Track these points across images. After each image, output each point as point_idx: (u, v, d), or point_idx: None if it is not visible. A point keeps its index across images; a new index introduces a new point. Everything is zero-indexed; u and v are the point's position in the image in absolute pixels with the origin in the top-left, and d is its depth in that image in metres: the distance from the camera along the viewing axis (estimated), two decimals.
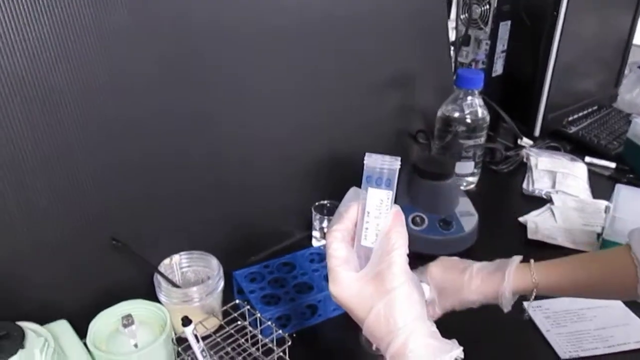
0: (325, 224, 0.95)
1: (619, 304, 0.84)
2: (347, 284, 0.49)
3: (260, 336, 0.71)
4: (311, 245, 0.95)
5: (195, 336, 0.60)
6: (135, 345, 0.70)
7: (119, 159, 0.75)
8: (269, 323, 0.70)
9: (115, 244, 0.75)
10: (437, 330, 0.48)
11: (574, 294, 0.70)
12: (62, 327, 0.70)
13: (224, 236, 0.90)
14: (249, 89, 0.86)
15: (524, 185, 1.14)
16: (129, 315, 0.72)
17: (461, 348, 0.47)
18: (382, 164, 0.50)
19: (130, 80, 0.72)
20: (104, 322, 0.73)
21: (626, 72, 1.50)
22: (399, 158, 0.50)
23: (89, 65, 0.69)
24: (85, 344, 0.69)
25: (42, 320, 0.70)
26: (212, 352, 0.71)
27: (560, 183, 1.12)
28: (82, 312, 0.73)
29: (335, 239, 0.50)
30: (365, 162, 0.51)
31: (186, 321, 0.59)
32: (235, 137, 0.87)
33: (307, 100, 0.95)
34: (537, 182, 1.13)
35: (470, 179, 1.15)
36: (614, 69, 1.46)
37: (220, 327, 0.76)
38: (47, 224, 0.71)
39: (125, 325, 0.71)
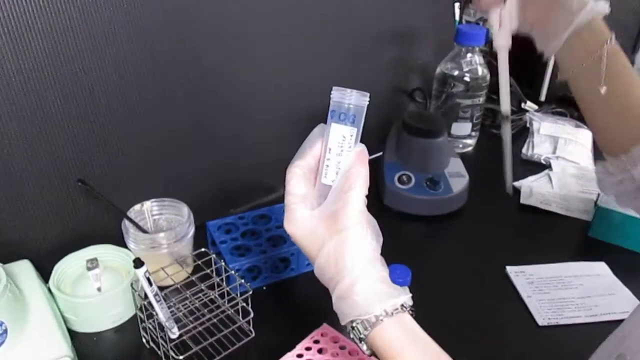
0: None
1: (608, 273, 0.80)
2: (300, 222, 0.47)
3: (224, 285, 0.69)
4: None
5: (148, 279, 0.58)
6: (99, 289, 0.69)
7: (94, 97, 0.72)
8: (232, 272, 0.68)
9: (81, 186, 0.73)
10: (387, 275, 0.46)
11: None
12: (24, 267, 0.69)
13: (203, 187, 0.88)
14: (244, 38, 0.83)
15: (524, 150, 1.10)
16: (94, 259, 0.71)
17: (409, 295, 0.45)
18: (349, 99, 0.47)
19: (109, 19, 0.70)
20: (71, 265, 0.72)
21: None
22: (368, 94, 0.47)
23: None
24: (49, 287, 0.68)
25: (7, 261, 0.70)
26: (173, 299, 0.70)
27: (562, 149, 1.07)
28: (50, 255, 0.72)
29: (294, 175, 0.48)
30: (331, 95, 0.48)
31: (138, 263, 0.57)
32: (228, 85, 0.84)
33: (303, 55, 0.91)
34: (537, 147, 1.08)
35: (468, 141, 1.10)
36: (632, 34, 1.38)
37: (189, 277, 0.74)
38: (14, 164, 0.70)
39: (89, 269, 0.70)
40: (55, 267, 0.70)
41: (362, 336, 0.43)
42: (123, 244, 0.75)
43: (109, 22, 0.69)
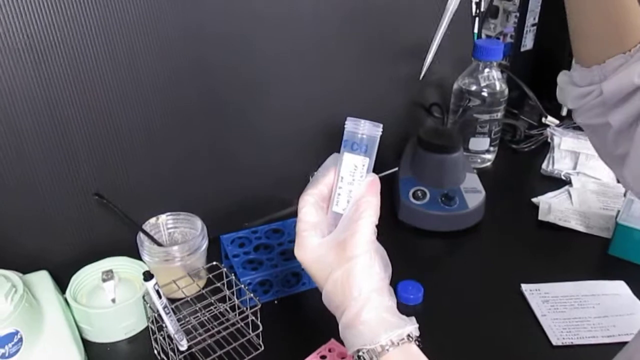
0: None
1: (627, 292, 0.78)
2: (310, 249, 0.48)
3: (235, 298, 0.70)
4: None
5: (157, 292, 0.59)
6: (113, 300, 0.71)
7: (113, 115, 0.75)
8: (242, 286, 0.69)
9: (98, 200, 0.75)
10: (394, 305, 0.46)
11: None
12: (42, 278, 0.71)
13: (220, 201, 0.89)
14: (260, 54, 0.84)
15: (544, 166, 1.08)
16: (110, 271, 0.72)
17: (416, 325, 0.46)
18: (362, 129, 0.49)
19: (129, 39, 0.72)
20: (87, 276, 0.74)
21: None
22: (381, 125, 0.49)
23: (81, 16, 0.68)
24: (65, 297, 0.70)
25: (26, 271, 0.72)
26: (185, 312, 0.71)
27: (583, 164, 1.05)
28: (68, 266, 0.74)
29: (306, 203, 0.50)
30: (345, 125, 0.50)
31: (147, 276, 0.58)
32: (243, 102, 0.86)
33: (319, 70, 0.92)
34: (558, 163, 1.07)
35: (486, 156, 1.09)
36: None
37: (202, 289, 0.76)
38: (37, 179, 0.72)
39: (104, 280, 0.71)
40: (73, 278, 0.72)
41: None
42: (138, 257, 0.77)
43: (129, 41, 0.71)
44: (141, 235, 0.76)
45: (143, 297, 0.66)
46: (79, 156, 0.74)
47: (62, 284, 0.73)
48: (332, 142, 0.99)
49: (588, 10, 0.53)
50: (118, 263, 0.75)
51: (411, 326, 0.44)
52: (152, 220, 0.79)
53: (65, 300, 0.71)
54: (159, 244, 0.77)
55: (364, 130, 0.49)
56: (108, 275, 0.72)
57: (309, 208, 0.49)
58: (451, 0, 0.54)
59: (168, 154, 0.81)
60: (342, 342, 0.66)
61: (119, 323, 0.70)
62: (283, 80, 0.89)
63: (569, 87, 0.58)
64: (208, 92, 0.81)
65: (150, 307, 0.65)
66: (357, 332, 0.44)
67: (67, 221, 0.76)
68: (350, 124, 0.49)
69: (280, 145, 0.93)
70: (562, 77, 0.60)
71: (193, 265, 0.76)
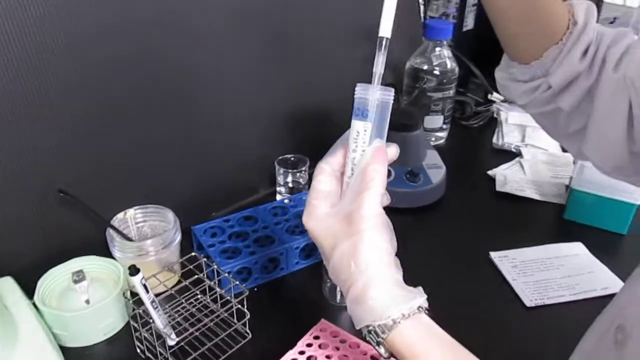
0: (289, 178, 0.92)
1: (585, 252, 0.83)
2: (318, 218, 0.46)
3: (217, 289, 0.68)
4: (276, 200, 0.92)
5: (144, 286, 0.57)
6: (87, 302, 0.67)
7: (71, 105, 0.70)
8: (226, 275, 0.67)
9: (63, 196, 0.71)
10: (401, 278, 0.45)
11: None
12: (6, 284, 0.67)
13: (185, 192, 0.87)
14: (215, 42, 0.82)
15: (494, 140, 1.13)
16: (80, 271, 0.69)
17: (425, 297, 0.44)
18: (361, 93, 0.46)
19: (87, 30, 0.68)
20: (55, 279, 0.70)
21: None
22: (392, 90, 0.46)
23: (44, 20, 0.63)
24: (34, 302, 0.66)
25: None
26: (166, 306, 0.68)
27: (530, 137, 1.10)
28: (33, 270, 0.70)
29: (321, 172, 0.47)
30: (355, 92, 0.47)
31: (133, 270, 0.56)
32: (204, 87, 0.83)
33: (273, 55, 0.91)
34: (507, 136, 1.12)
35: (440, 133, 1.12)
36: None
37: (179, 283, 0.73)
38: None
39: (76, 282, 0.68)
40: (39, 282, 0.68)
41: (379, 340, 0.43)
42: (107, 254, 0.73)
43: (92, 27, 0.67)
44: (110, 231, 0.72)
45: (123, 293, 0.64)
46: (37, 152, 0.69)
47: (28, 289, 0.68)
48: (297, 127, 0.99)
49: (513, 15, 0.55)
50: (88, 262, 0.72)
51: (421, 297, 0.44)
52: (120, 215, 0.75)
53: (34, 305, 0.66)
54: (129, 239, 0.74)
55: (364, 94, 0.46)
56: (79, 276, 0.68)
57: (324, 177, 0.47)
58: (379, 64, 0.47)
59: (129, 146, 0.78)
60: (332, 321, 0.67)
61: (95, 325, 0.67)
62: (246, 67, 0.87)
63: (513, 84, 0.61)
64: (164, 81, 0.78)
65: (132, 303, 0.62)
66: (367, 307, 0.43)
67: (28, 222, 0.72)
68: (357, 90, 0.46)
69: (242, 131, 0.91)
70: (500, 74, 0.63)
71: (168, 259, 0.74)
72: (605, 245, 0.86)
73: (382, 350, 0.43)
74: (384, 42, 0.45)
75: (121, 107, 0.75)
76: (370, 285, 0.43)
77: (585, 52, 0.55)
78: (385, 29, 0.45)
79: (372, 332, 0.43)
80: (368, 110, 0.46)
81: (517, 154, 1.08)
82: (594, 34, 0.55)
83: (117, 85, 0.74)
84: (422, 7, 1.21)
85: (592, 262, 0.82)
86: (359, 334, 0.65)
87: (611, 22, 1.41)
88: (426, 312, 0.44)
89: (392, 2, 0.45)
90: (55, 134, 0.70)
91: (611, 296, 0.74)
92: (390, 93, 0.46)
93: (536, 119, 0.64)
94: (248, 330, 0.67)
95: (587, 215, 0.89)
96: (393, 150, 0.48)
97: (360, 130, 0.46)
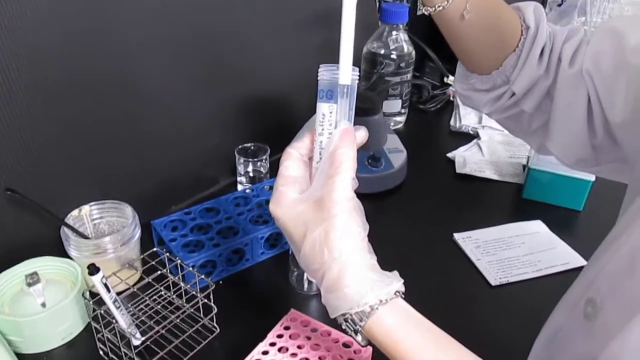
0: (250, 167, 0.90)
1: (545, 230, 0.85)
2: (286, 205, 0.44)
3: (182, 283, 0.66)
4: (237, 190, 0.90)
5: (105, 285, 0.54)
6: (43, 305, 0.64)
7: (13, 98, 0.66)
8: (190, 269, 0.65)
9: (11, 195, 0.66)
10: (376, 263, 0.44)
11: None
12: None
13: (142, 185, 0.83)
14: (162, 29, 0.78)
15: (451, 122, 1.14)
16: (34, 274, 0.65)
17: (402, 281, 0.43)
18: (328, 75, 0.44)
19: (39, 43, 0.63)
20: (6, 283, 0.66)
21: (547, 10, 1.51)
22: (356, 69, 0.44)
23: None
24: None
25: None
26: (129, 305, 0.66)
27: (486, 118, 1.11)
28: None
29: (288, 157, 0.45)
30: (318, 73, 0.45)
31: (93, 269, 0.53)
32: (155, 74, 0.79)
33: (226, 40, 0.88)
34: (464, 119, 1.13)
35: (398, 118, 1.12)
36: None
37: (141, 280, 0.71)
38: None
39: (30, 284, 0.64)
40: None
41: (357, 328, 0.42)
42: (63, 254, 0.70)
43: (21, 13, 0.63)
44: (65, 229, 0.69)
45: (83, 294, 0.61)
46: None
47: None
48: (256, 115, 0.97)
49: (470, 32, 0.55)
50: (42, 264, 0.68)
51: (397, 282, 0.43)
52: (75, 212, 0.72)
53: None
54: (86, 237, 0.70)
55: (327, 75, 0.44)
56: (33, 279, 0.64)
57: (291, 162, 0.45)
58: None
59: (80, 137, 0.74)
60: (301, 311, 0.66)
61: (53, 328, 0.64)
62: (195, 54, 0.84)
63: (474, 94, 0.62)
64: (115, 69, 0.74)
65: (93, 304, 0.59)
66: (342, 295, 0.41)
67: None
68: (320, 71, 0.44)
69: (201, 123, 0.88)
70: (460, 85, 0.63)
71: (127, 255, 0.71)
72: (563, 222, 0.88)
73: (359, 338, 0.42)
74: (345, 90, 0.44)
75: (70, 99, 0.71)
76: (345, 272, 0.41)
77: (541, 54, 0.56)
78: (346, 72, 0.44)
79: (349, 320, 0.42)
80: (333, 92, 0.44)
81: (474, 136, 1.10)
82: (546, 35, 0.56)
83: (65, 75, 0.69)
84: None
85: (552, 239, 0.84)
86: (329, 321, 0.64)
87: (559, 5, 1.45)
88: (402, 296, 0.43)
89: (349, 50, 0.43)
90: (1, 132, 0.66)
91: (572, 271, 0.78)
92: (355, 72, 0.44)
93: (498, 121, 0.65)
94: (216, 325, 0.66)
95: (544, 194, 0.91)
96: (362, 134, 0.47)
97: (326, 113, 0.44)
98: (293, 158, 0.45)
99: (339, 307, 0.42)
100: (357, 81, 0.45)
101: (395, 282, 0.43)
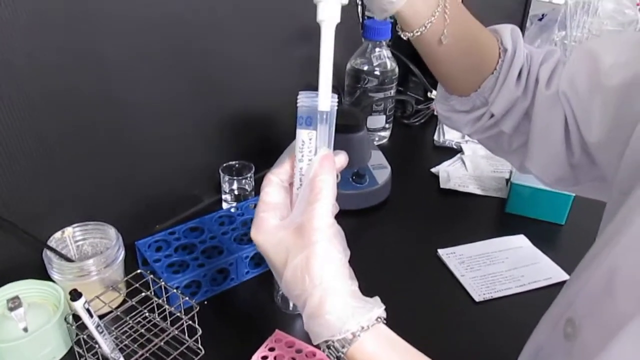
0: (235, 185, 0.90)
1: (528, 244, 0.86)
2: (267, 232, 0.44)
3: (166, 305, 0.66)
4: (222, 209, 0.89)
5: (88, 310, 0.54)
6: (25, 329, 0.63)
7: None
8: (175, 290, 0.65)
9: None
10: (357, 289, 0.44)
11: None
12: None
13: (125, 205, 0.83)
14: (143, 44, 0.78)
15: (435, 137, 1.15)
16: (16, 298, 0.65)
17: (383, 307, 0.44)
18: (302, 101, 0.44)
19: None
20: None
21: (527, 24, 1.54)
22: (335, 96, 0.44)
23: None
24: None
25: None
26: (112, 328, 0.65)
27: None
28: None
29: (268, 183, 0.46)
30: (297, 100, 0.45)
31: (75, 295, 0.53)
32: (137, 92, 0.79)
33: (211, 57, 0.88)
34: (448, 133, 1.14)
35: (383, 133, 1.13)
36: (517, 21, 1.49)
37: (125, 302, 0.70)
38: None
39: (11, 309, 0.64)
40: None
41: (339, 355, 0.42)
42: (45, 277, 0.69)
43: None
44: (47, 252, 0.68)
45: (65, 319, 0.60)
46: None
47: None
48: (240, 133, 0.97)
49: (449, 56, 0.56)
50: (23, 287, 0.67)
51: (379, 308, 0.43)
52: (57, 234, 0.71)
53: None
54: (69, 260, 0.70)
55: (307, 102, 0.44)
56: (15, 303, 0.64)
57: (271, 188, 0.45)
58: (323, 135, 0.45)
59: (62, 161, 0.73)
60: (287, 332, 0.66)
61: (36, 353, 0.63)
62: (180, 70, 0.84)
63: (455, 115, 0.63)
64: (97, 86, 0.74)
65: (76, 328, 0.59)
66: (324, 322, 0.42)
67: None
68: (299, 99, 0.44)
69: (184, 142, 0.88)
70: (441, 107, 0.65)
71: (111, 277, 0.70)
72: (545, 236, 0.89)
73: None
74: (324, 116, 0.44)
75: (51, 119, 0.71)
76: (326, 299, 0.41)
77: (519, 76, 0.57)
78: (325, 99, 0.44)
79: (332, 347, 0.42)
80: (312, 118, 0.44)
81: (458, 151, 1.11)
82: (524, 57, 0.57)
83: (47, 99, 0.69)
84: (359, 8, 1.22)
85: (535, 254, 0.85)
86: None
87: (540, 19, 1.47)
88: (384, 322, 0.43)
89: (328, 76, 0.44)
90: None
91: (555, 285, 0.78)
92: (334, 99, 0.44)
93: (479, 141, 0.66)
94: (200, 347, 0.65)
95: (527, 208, 0.92)
96: (342, 158, 0.48)
97: (305, 139, 0.44)
98: (273, 184, 0.45)
99: (321, 334, 0.42)
100: (336, 107, 0.45)
101: (376, 308, 0.43)
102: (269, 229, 0.44)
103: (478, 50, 0.57)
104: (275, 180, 0.46)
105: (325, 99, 0.44)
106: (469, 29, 0.56)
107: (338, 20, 0.44)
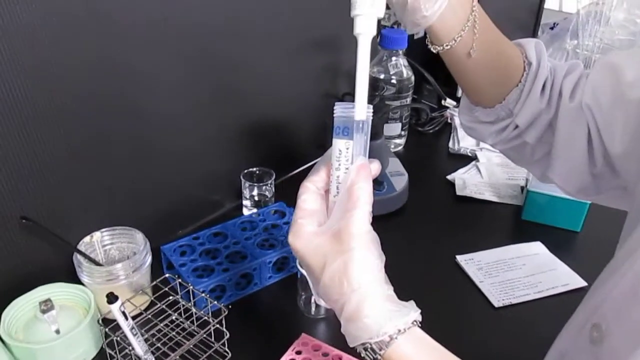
0: (255, 191, 0.92)
1: (545, 251, 0.87)
2: (305, 238, 0.46)
3: (194, 309, 0.67)
4: (242, 214, 0.91)
5: (123, 313, 0.55)
6: (57, 332, 0.65)
7: (28, 130, 0.67)
8: (203, 294, 0.66)
9: (25, 223, 0.68)
10: (393, 294, 0.45)
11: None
12: None
13: (149, 210, 0.84)
14: (167, 53, 0.80)
15: (450, 145, 1.16)
16: (48, 300, 0.66)
17: (418, 311, 0.45)
18: (341, 112, 0.46)
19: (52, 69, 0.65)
20: (19, 309, 0.67)
21: (539, 33, 1.55)
22: (370, 107, 0.46)
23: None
24: None
25: None
26: (142, 331, 0.67)
27: None
28: None
29: (305, 190, 0.47)
30: (334, 110, 0.46)
31: (112, 298, 0.54)
32: (162, 99, 0.81)
33: (231, 65, 0.90)
34: (462, 141, 1.15)
35: (398, 140, 1.15)
36: (529, 30, 1.51)
37: (152, 305, 0.72)
38: None
39: (44, 311, 0.65)
40: (4, 314, 0.65)
41: (376, 356, 0.43)
42: (74, 280, 0.71)
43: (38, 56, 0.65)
44: (77, 256, 0.70)
45: (98, 321, 0.62)
46: None
47: None
48: (261, 140, 0.99)
49: (476, 68, 0.58)
50: (54, 290, 0.69)
51: (415, 312, 0.44)
52: (87, 239, 0.73)
53: (0, 338, 0.63)
54: (98, 264, 0.72)
55: (344, 112, 0.45)
56: (47, 305, 0.65)
57: (308, 195, 0.47)
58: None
59: (91, 169, 0.75)
60: (311, 334, 0.67)
61: (68, 355, 0.65)
62: (201, 78, 0.86)
63: (479, 126, 0.65)
64: (123, 94, 0.76)
65: (107, 330, 0.61)
66: (363, 325, 0.43)
67: None
68: (336, 109, 0.46)
69: (207, 148, 0.90)
70: (464, 117, 0.66)
71: (139, 281, 0.72)
72: (561, 243, 0.90)
73: None
74: (360, 125, 0.46)
75: (81, 129, 0.73)
76: (364, 303, 0.43)
77: (543, 88, 0.59)
78: (362, 108, 0.45)
79: (369, 349, 0.43)
80: (349, 128, 0.46)
81: (473, 158, 1.12)
82: (547, 70, 0.59)
83: (77, 110, 0.71)
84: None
85: (552, 260, 0.86)
86: (340, 345, 0.66)
87: (551, 28, 1.49)
88: (419, 325, 0.45)
89: (364, 86, 0.45)
90: (15, 162, 0.67)
91: (572, 292, 0.79)
92: (369, 110, 0.46)
93: (502, 151, 0.67)
94: (227, 350, 0.67)
95: (543, 215, 0.93)
96: (376, 166, 0.49)
97: (342, 149, 0.46)
98: (310, 191, 0.47)
99: (359, 336, 0.44)
100: (371, 117, 0.46)
101: (412, 311, 0.44)
102: (307, 235, 0.46)
103: (504, 63, 0.59)
104: (311, 187, 0.47)
105: (361, 109, 0.45)
106: (496, 43, 0.57)
107: (374, 33, 0.46)
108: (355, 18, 0.46)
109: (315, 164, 0.49)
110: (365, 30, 0.45)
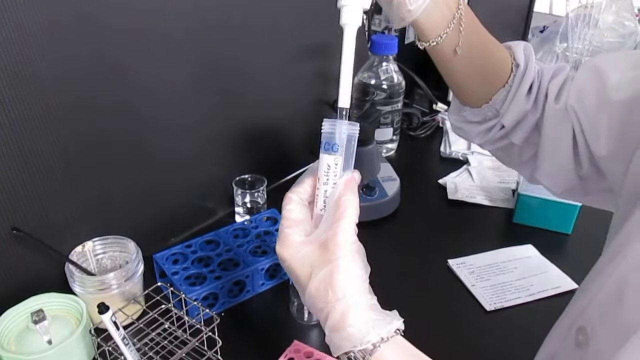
0: (247, 198, 0.92)
1: (536, 254, 0.88)
2: (292, 247, 0.47)
3: (186, 317, 0.67)
4: (235, 221, 0.91)
5: (115, 323, 0.55)
6: (49, 342, 0.65)
7: (19, 141, 0.68)
8: (195, 303, 0.67)
9: (16, 234, 0.68)
10: (377, 303, 0.46)
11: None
12: None
13: (141, 219, 0.85)
14: (161, 59, 0.81)
15: (441, 149, 1.17)
16: (40, 311, 0.66)
17: (401, 320, 0.46)
18: (330, 128, 0.47)
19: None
20: (11, 320, 0.67)
21: (529, 36, 1.56)
22: (356, 124, 0.48)
23: None
24: None
25: None
26: (135, 340, 0.67)
27: (475, 144, 1.15)
28: None
29: (290, 201, 0.48)
30: (322, 126, 0.48)
31: (103, 308, 0.55)
32: (156, 105, 0.82)
33: (222, 73, 0.91)
34: (454, 145, 1.16)
35: (390, 145, 1.15)
36: (519, 33, 1.52)
37: (144, 314, 0.72)
38: None
39: (36, 322, 0.65)
40: None
41: None
42: (66, 290, 0.71)
43: (28, 61, 0.65)
44: (69, 266, 0.70)
45: (90, 331, 0.62)
46: None
47: None
48: (252, 147, 0.99)
49: (463, 68, 0.59)
50: (46, 300, 0.69)
51: (398, 321, 0.45)
52: (79, 248, 0.73)
53: None
54: (90, 274, 0.72)
55: (332, 129, 0.47)
56: (39, 316, 0.65)
57: (293, 205, 0.48)
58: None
59: (81, 178, 0.75)
60: (303, 342, 0.67)
61: None
62: (195, 85, 0.86)
63: (467, 125, 0.66)
64: (115, 100, 0.76)
65: (99, 341, 0.61)
66: (346, 334, 0.44)
67: None
68: (324, 124, 0.47)
69: (198, 156, 0.90)
70: (453, 117, 0.67)
71: (131, 290, 0.72)
72: (553, 246, 0.90)
73: None
74: (344, 113, 0.47)
75: (73, 137, 0.73)
76: (348, 312, 0.44)
77: (530, 90, 0.59)
78: (345, 98, 0.47)
79: (352, 358, 0.44)
80: (337, 144, 0.47)
81: (464, 162, 1.13)
82: (535, 72, 0.60)
83: (68, 118, 0.71)
84: (365, 22, 1.24)
85: (543, 263, 0.86)
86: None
87: (541, 31, 1.50)
88: (401, 334, 0.45)
89: (348, 75, 0.47)
90: (5, 173, 0.67)
91: (563, 294, 0.80)
92: (356, 127, 0.47)
93: (491, 152, 0.68)
94: (220, 358, 0.67)
95: (534, 218, 0.94)
96: (357, 177, 0.50)
97: (331, 164, 0.47)
98: (295, 202, 0.48)
99: (343, 345, 0.44)
100: (357, 134, 0.47)
101: (395, 320, 0.45)
102: (295, 245, 0.46)
103: (491, 62, 0.59)
104: (295, 198, 0.48)
105: (345, 97, 0.47)
106: (483, 43, 0.58)
107: (360, 24, 0.47)
108: (341, 8, 0.47)
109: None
110: (350, 21, 0.47)
